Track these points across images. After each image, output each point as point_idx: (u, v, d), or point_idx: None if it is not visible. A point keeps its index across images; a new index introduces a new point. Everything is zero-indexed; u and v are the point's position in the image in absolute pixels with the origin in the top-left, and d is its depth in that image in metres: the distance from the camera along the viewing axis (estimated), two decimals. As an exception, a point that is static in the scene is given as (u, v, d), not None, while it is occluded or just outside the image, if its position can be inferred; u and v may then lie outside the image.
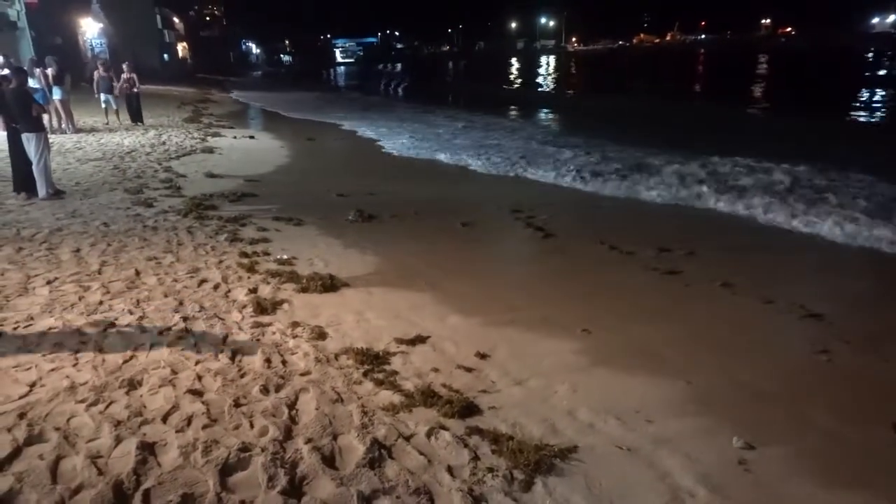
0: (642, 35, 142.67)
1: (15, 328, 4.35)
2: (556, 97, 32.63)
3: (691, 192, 9.94)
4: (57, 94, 15.18)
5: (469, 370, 4.04)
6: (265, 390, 3.59)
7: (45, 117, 14.72)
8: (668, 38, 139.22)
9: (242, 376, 3.76)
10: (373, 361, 4.04)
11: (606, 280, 6.13)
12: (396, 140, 17.07)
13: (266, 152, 14.36)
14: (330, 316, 4.85)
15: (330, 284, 5.51)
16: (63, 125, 15.57)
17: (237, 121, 21.24)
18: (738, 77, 37.97)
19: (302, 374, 3.82)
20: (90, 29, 39.07)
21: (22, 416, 3.20)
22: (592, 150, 14.28)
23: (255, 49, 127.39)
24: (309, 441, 3.09)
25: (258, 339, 4.31)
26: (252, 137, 16.49)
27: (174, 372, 3.77)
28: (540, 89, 38.20)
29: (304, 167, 12.74)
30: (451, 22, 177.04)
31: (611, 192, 10.45)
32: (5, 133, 9.18)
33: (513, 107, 27.07)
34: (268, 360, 3.98)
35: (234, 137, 16.20)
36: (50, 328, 4.37)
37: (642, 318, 5.08)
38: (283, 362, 3.99)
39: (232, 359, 3.99)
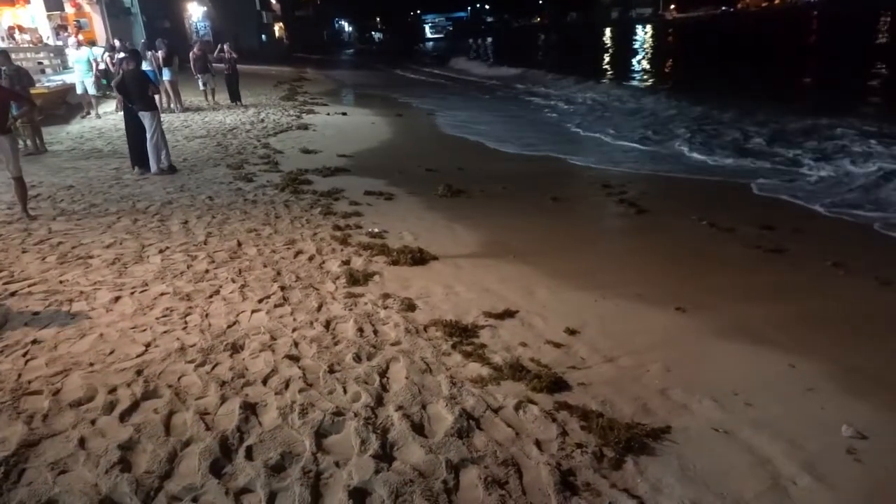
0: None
1: (132, 292, 4.70)
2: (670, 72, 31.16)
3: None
4: (166, 76, 16.10)
5: (558, 346, 3.99)
6: (357, 358, 3.70)
7: (157, 97, 15.72)
8: (776, 1, 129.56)
9: (336, 344, 3.89)
10: (461, 334, 4.06)
11: (703, 257, 5.87)
12: (483, 115, 16.98)
13: (357, 128, 14.66)
14: (419, 288, 4.92)
15: (419, 258, 5.58)
16: (172, 105, 16.52)
17: (330, 98, 21.77)
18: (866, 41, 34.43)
19: (392, 344, 3.91)
20: (195, 12, 41.06)
21: (139, 373, 3.46)
22: (700, 126, 13.62)
23: (347, 27, 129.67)
24: (399, 408, 3.16)
25: (351, 309, 4.44)
26: (344, 114, 16.87)
27: (273, 338, 3.95)
28: (640, 63, 36.69)
29: (394, 142, 12.92)
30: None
31: (711, 170, 9.96)
32: (122, 112, 9.84)
33: (610, 79, 26.23)
34: (360, 330, 4.09)
35: (328, 114, 16.63)
36: (162, 293, 4.68)
37: (742, 297, 4.83)
38: (375, 332, 4.09)
39: (326, 327, 4.13)
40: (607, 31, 76.12)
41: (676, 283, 5.20)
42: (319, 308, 4.46)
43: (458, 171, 9.77)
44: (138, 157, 9.48)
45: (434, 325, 4.19)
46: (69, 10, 21.85)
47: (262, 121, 14.79)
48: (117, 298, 4.56)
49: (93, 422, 2.99)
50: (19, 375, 3.41)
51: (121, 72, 9.57)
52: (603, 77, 26.70)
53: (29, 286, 4.85)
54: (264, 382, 3.39)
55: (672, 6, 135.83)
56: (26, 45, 16.66)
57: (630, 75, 27.72)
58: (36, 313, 4.30)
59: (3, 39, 14.91)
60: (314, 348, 3.81)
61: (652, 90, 21.46)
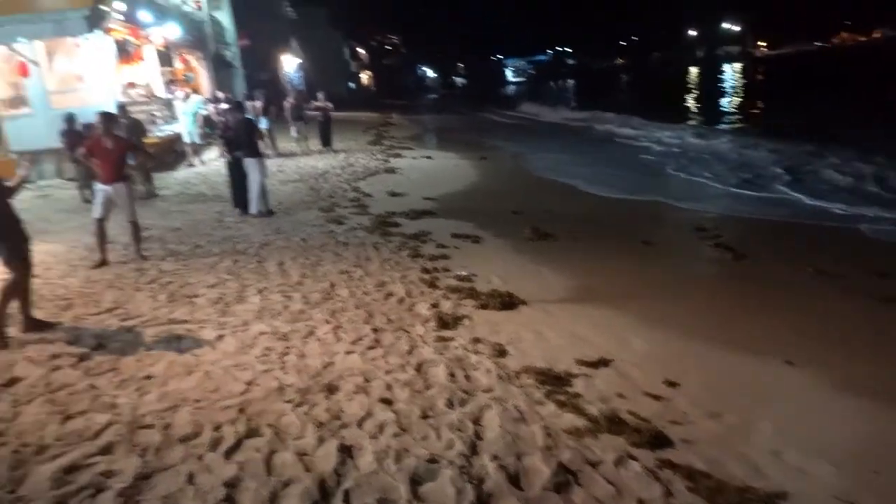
0: (844, 34, 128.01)
1: (234, 331, 4.90)
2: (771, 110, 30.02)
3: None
4: (263, 124, 17.00)
5: (657, 398, 3.83)
6: (450, 404, 3.68)
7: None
8: (874, 35, 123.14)
9: (428, 388, 3.90)
10: (554, 382, 3.98)
11: (811, 306, 5.55)
12: (567, 157, 16.93)
13: (442, 171, 14.94)
14: (510, 333, 4.87)
15: (508, 302, 5.55)
16: (268, 150, 17.44)
17: (415, 142, 22.35)
18: None
19: (485, 391, 3.87)
20: (290, 65, 43.57)
21: (241, 410, 3.58)
22: (799, 168, 13.04)
23: (430, 73, 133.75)
24: (494, 458, 3.11)
25: (441, 353, 4.45)
26: (429, 157, 17.26)
27: (366, 380, 4.01)
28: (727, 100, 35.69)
29: (479, 185, 13.06)
30: (624, 35, 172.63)
31: (819, 213, 9.45)
32: (224, 159, 10.46)
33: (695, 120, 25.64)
34: (451, 374, 4.08)
35: (413, 158, 17.06)
36: (261, 332, 4.87)
37: (858, 350, 4.51)
38: (466, 377, 4.07)
39: (418, 371, 4.15)
40: (693, 71, 74.75)
41: (782, 334, 4.93)
42: (411, 351, 4.49)
43: (545, 214, 9.73)
44: (240, 200, 10.03)
45: (526, 372, 4.12)
46: (178, 65, 23.69)
47: (352, 165, 15.34)
48: (220, 336, 4.77)
49: (200, 457, 3.11)
50: (134, 409, 3.61)
51: (226, 120, 10.25)
52: (690, 118, 26.11)
53: (142, 323, 5.16)
54: (359, 425, 3.43)
55: (761, 43, 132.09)
56: (140, 99, 18.12)
57: (720, 117, 26.97)
58: (148, 350, 4.55)
59: (121, 94, 16.29)
60: (407, 392, 3.83)
61: (744, 131, 20.76)
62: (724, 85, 48.47)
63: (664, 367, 4.29)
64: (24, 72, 14.82)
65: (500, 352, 4.50)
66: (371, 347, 4.55)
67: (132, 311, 5.49)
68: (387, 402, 3.70)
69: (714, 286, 6.53)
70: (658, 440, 3.30)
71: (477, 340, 4.69)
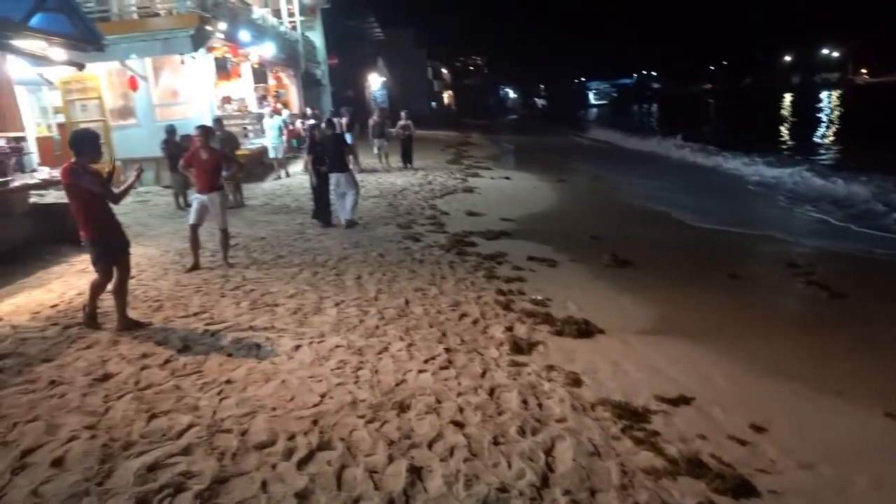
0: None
1: (311, 342, 5.01)
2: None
3: None
4: (348, 139, 17.56)
5: (742, 443, 3.61)
6: (522, 432, 3.60)
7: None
8: None
9: (500, 414, 3.83)
10: (631, 417, 3.83)
11: (918, 355, 5.10)
12: (647, 183, 16.50)
13: (520, 192, 14.88)
14: (585, 363, 4.74)
15: (585, 330, 5.41)
16: (351, 166, 17.92)
17: (494, 162, 22.41)
18: None
19: (558, 421, 3.77)
20: (375, 82, 44.80)
21: (315, 422, 3.63)
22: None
23: (511, 94, 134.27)
24: (567, 493, 3.01)
25: (514, 378, 4.37)
26: (507, 178, 17.24)
27: (438, 401, 3.99)
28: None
29: (557, 207, 12.91)
30: (714, 59, 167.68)
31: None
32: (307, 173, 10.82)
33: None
34: (524, 401, 4.00)
35: (491, 178, 17.09)
36: (337, 345, 4.94)
37: (974, 409, 4.10)
38: (539, 405, 3.98)
39: (490, 395, 4.09)
40: (787, 98, 71.53)
41: (884, 383, 4.56)
42: (483, 374, 4.44)
43: (624, 240, 9.49)
44: (320, 213, 10.35)
45: (602, 405, 3.99)
46: (271, 82, 24.81)
47: (430, 183, 15.53)
48: (298, 347, 4.88)
49: (273, 466, 3.16)
50: (214, 413, 3.73)
51: (312, 136, 10.67)
52: (782, 148, 24.87)
53: (226, 328, 5.36)
54: (430, 446, 3.40)
55: (863, 70, 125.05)
56: (235, 113, 19.08)
57: (815, 147, 25.56)
58: (230, 355, 4.71)
59: (219, 108, 17.20)
60: (478, 416, 3.78)
61: (841, 164, 19.56)
62: (820, 114, 46.04)
63: (750, 409, 4.05)
64: (133, 86, 15.92)
65: (575, 381, 4.38)
66: (444, 367, 4.53)
67: (217, 315, 5.72)
68: (458, 424, 3.66)
69: (806, 326, 6.13)
70: (742, 488, 3.10)
71: (551, 368, 4.59)
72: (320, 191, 10.36)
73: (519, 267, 7.68)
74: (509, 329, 5.41)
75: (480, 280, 7.05)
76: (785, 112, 52.16)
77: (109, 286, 5.31)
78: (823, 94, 74.87)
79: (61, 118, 16.74)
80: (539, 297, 6.40)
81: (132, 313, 5.55)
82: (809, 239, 9.97)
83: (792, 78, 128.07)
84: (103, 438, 3.38)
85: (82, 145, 5.12)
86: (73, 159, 5.10)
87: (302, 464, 3.19)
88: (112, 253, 5.28)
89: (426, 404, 3.92)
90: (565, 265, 7.98)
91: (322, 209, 10.40)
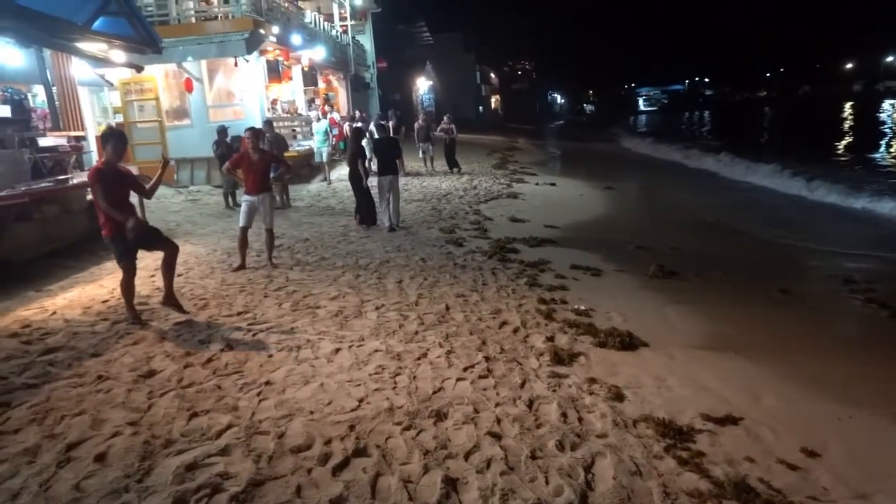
0: None
1: (350, 346, 5.02)
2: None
3: None
4: (394, 143, 17.69)
5: (793, 468, 3.44)
6: (561, 446, 3.51)
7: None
8: None
9: (539, 427, 3.75)
10: (675, 436, 3.69)
11: None
12: (695, 196, 16.08)
13: (566, 199, 14.70)
14: (628, 376, 4.61)
15: (628, 342, 5.27)
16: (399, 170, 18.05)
17: (539, 167, 22.23)
18: None
19: (598, 436, 3.66)
20: (422, 86, 45.07)
21: (352, 427, 3.62)
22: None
23: (559, 99, 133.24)
24: (606, 513, 2.91)
25: (554, 390, 4.28)
26: (553, 184, 17.06)
27: (476, 411, 3.93)
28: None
29: (603, 215, 12.70)
30: (771, 65, 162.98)
31: None
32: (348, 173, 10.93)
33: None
34: (564, 415, 3.91)
35: (537, 184, 16.94)
36: (376, 350, 4.94)
37: None
38: (580, 419, 3.88)
39: (529, 406, 4.02)
40: (847, 107, 68.80)
41: (950, 411, 4.29)
42: (523, 385, 4.36)
43: (671, 251, 9.26)
44: (365, 215, 10.45)
45: (645, 422, 3.86)
46: (321, 85, 25.21)
47: (475, 188, 15.48)
48: (337, 350, 4.90)
49: (309, 471, 3.16)
50: (253, 414, 3.76)
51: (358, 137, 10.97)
52: (838, 162, 23.73)
53: (267, 329, 5.42)
54: (466, 458, 3.35)
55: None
56: (285, 115, 19.45)
57: (872, 160, 24.33)
58: (270, 356, 4.76)
59: (268, 110, 17.56)
60: (517, 428, 3.71)
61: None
62: (882, 125, 43.95)
63: (802, 432, 3.86)
64: (189, 87, 16.39)
65: (617, 395, 4.26)
66: (482, 377, 4.47)
67: (259, 316, 5.79)
68: (495, 436, 3.60)
69: (864, 346, 5.84)
70: (794, 518, 2.95)
71: (592, 381, 4.48)
72: (363, 193, 10.46)
73: (562, 275, 7.56)
74: (550, 339, 5.31)
75: (522, 288, 6.97)
76: (846, 122, 50.07)
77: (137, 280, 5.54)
78: (887, 103, 71.68)
79: (120, 118, 17.36)
80: (582, 307, 6.27)
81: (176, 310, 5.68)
82: (868, 255, 9.53)
83: (853, 86, 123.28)
84: (145, 435, 3.45)
85: (106, 143, 5.35)
86: (102, 159, 5.34)
87: (337, 470, 3.18)
88: (130, 251, 5.40)
89: (464, 414, 3.87)
90: (610, 275, 7.82)
91: (365, 211, 10.49)
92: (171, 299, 5.67)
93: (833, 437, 3.84)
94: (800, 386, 4.63)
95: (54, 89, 8.66)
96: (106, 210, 5.18)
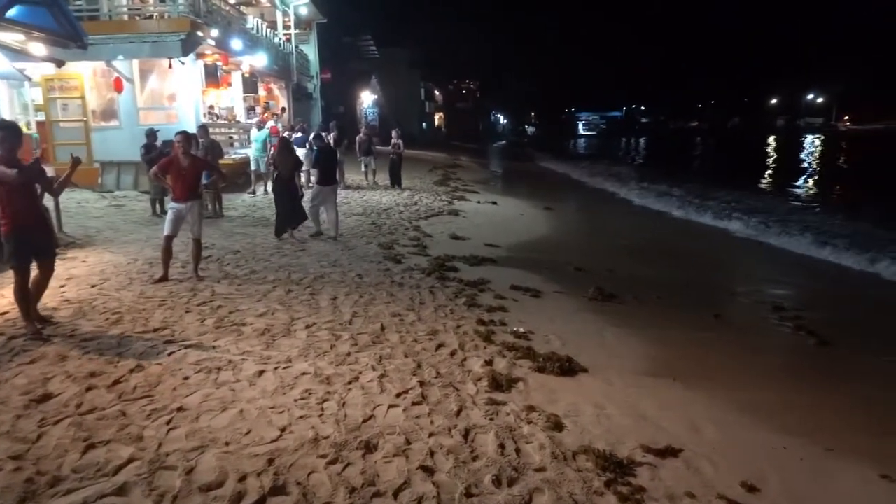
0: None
1: (276, 367, 4.67)
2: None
3: None
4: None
5: (734, 504, 3.34)
6: (497, 482, 3.30)
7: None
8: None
9: (475, 459, 3.52)
10: (616, 470, 3.54)
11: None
12: (631, 220, 16.37)
13: (506, 218, 14.68)
14: (567, 404, 4.46)
15: (568, 367, 5.13)
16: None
17: (482, 185, 22.25)
18: None
19: (537, 470, 3.47)
20: (367, 100, 44.76)
21: (270, 462, 3.30)
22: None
23: (502, 119, 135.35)
24: (543, 558, 2.70)
25: (492, 419, 4.07)
26: (494, 203, 17.04)
27: (408, 441, 3.67)
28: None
29: (542, 235, 12.71)
30: (703, 97, 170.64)
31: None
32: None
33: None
34: (501, 446, 3.70)
35: (478, 202, 16.88)
36: (303, 373, 4.61)
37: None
38: (517, 451, 3.67)
39: (465, 437, 3.78)
40: (771, 140, 72.51)
41: (878, 441, 4.33)
42: (459, 412, 4.14)
43: (609, 273, 9.28)
44: (284, 223, 10.22)
45: (584, 454, 3.70)
46: (262, 92, 24.57)
47: (416, 203, 15.28)
48: (261, 373, 4.55)
49: (218, 513, 2.83)
50: (159, 445, 3.38)
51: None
52: (768, 190, 24.76)
53: (186, 347, 5.00)
54: (395, 496, 3.09)
55: (846, 117, 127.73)
56: (223, 122, 18.78)
57: (809, 192, 25.41)
58: (186, 378, 4.37)
59: (205, 115, 16.88)
60: (451, 461, 3.47)
61: (836, 208, 19.43)
62: (804, 159, 46.35)
63: (741, 464, 3.79)
64: (119, 87, 15.57)
65: (557, 425, 4.08)
66: (416, 403, 4.22)
67: (178, 333, 5.37)
68: (428, 470, 3.35)
69: (794, 373, 5.90)
70: (736, 560, 2.82)
71: (531, 409, 4.30)
72: (284, 202, 10.23)
73: (501, 296, 7.41)
74: (489, 363, 5.11)
75: (461, 308, 6.76)
76: (771, 154, 52.66)
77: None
78: (808, 139, 76.03)
79: (42, 116, 16.34)
80: (521, 330, 6.11)
81: (87, 325, 5.19)
82: (797, 277, 9.86)
83: (777, 120, 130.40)
84: (29, 471, 3.02)
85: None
86: None
87: (250, 512, 2.86)
88: (25, 253, 5.08)
89: (394, 445, 3.60)
90: (550, 296, 7.72)
91: (291, 215, 10.21)
92: (35, 315, 5.32)
93: (770, 469, 3.78)
94: (736, 414, 4.60)
95: (-39, 80, 7.94)
96: (25, 182, 4.91)
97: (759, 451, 4.04)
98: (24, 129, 16.68)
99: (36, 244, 5.12)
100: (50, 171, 11.81)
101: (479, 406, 4.27)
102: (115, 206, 13.13)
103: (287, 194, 10.19)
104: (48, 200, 9.24)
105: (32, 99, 16.90)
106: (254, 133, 16.98)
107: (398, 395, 4.32)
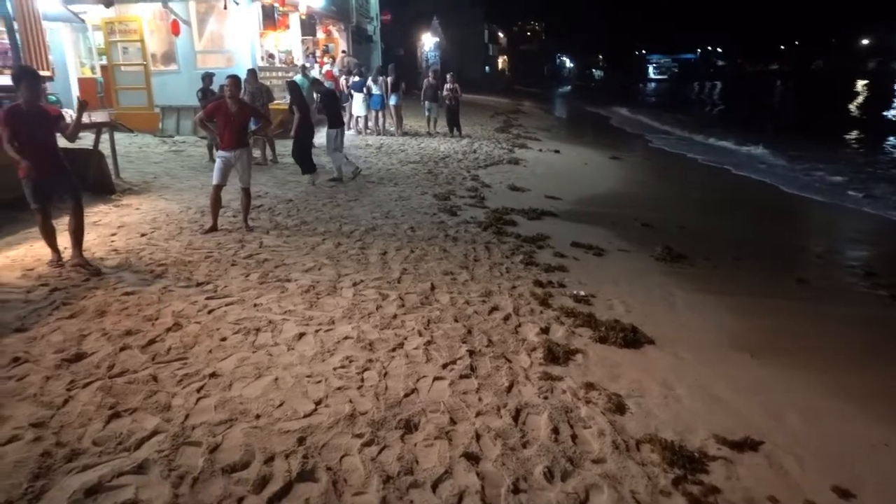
0: None
1: (317, 330, 4.42)
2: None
3: None
4: (392, 100, 16.84)
5: (826, 513, 2.88)
6: (549, 474, 2.94)
7: (381, 120, 16.66)
8: None
9: (525, 446, 3.17)
10: (685, 465, 3.12)
11: None
12: (713, 160, 15.33)
13: (569, 168, 13.98)
14: (631, 382, 4.03)
15: (632, 338, 4.67)
16: (393, 128, 17.22)
17: (544, 133, 21.38)
18: None
19: (595, 461, 3.09)
20: (428, 42, 43.62)
21: (301, 440, 3.04)
22: None
23: (568, 63, 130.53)
24: (600, 576, 2.35)
25: (546, 397, 3.70)
26: (557, 151, 16.29)
27: (453, 421, 3.35)
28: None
29: (607, 187, 12.01)
30: (785, 38, 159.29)
31: None
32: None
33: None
34: (555, 430, 3.33)
35: (540, 150, 16.18)
36: (346, 336, 4.34)
37: None
38: (573, 437, 3.30)
39: (515, 419, 3.43)
40: (859, 85, 66.97)
41: None
42: (510, 388, 3.78)
43: (679, 230, 8.62)
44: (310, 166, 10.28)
45: (650, 443, 3.29)
46: (321, 35, 24.10)
47: (475, 151, 14.73)
48: (301, 335, 4.30)
49: (240, 500, 2.58)
50: (186, 416, 3.17)
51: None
52: (859, 146, 22.56)
53: (227, 304, 4.81)
54: (434, 488, 2.78)
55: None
56: (280, 65, 18.49)
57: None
58: (223, 339, 4.16)
59: (262, 59, 16.62)
60: (498, 447, 3.13)
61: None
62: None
63: (832, 463, 3.30)
64: (176, 30, 15.43)
65: (619, 406, 3.67)
66: (464, 376, 3.88)
67: (221, 288, 5.18)
68: (473, 458, 3.02)
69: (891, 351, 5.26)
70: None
71: (590, 386, 3.89)
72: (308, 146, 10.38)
73: (561, 254, 6.94)
74: (545, 331, 4.71)
75: (517, 266, 6.34)
76: (860, 98, 48.62)
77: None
78: (901, 82, 69.77)
79: (104, 60, 16.46)
80: (582, 293, 5.66)
81: (131, 276, 5.07)
82: (883, 244, 8.92)
83: (868, 63, 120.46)
84: (49, 442, 2.85)
85: (19, 82, 5.12)
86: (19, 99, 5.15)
87: (273, 501, 2.60)
88: (39, 195, 5.31)
89: (437, 425, 3.28)
90: (613, 255, 7.19)
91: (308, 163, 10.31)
92: (81, 259, 5.53)
93: (869, 471, 3.27)
94: (825, 400, 4.06)
95: (15, 23, 7.86)
96: (7, 150, 5.01)
97: (855, 447, 3.53)
98: (89, 73, 16.94)
99: (52, 188, 5.35)
100: (102, 115, 11.87)
101: (533, 381, 3.89)
102: (174, 151, 13.15)
103: (299, 141, 10.24)
104: (106, 146, 9.24)
105: (97, 43, 17.02)
106: (299, 78, 16.65)
107: (445, 366, 3.99)
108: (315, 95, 11.62)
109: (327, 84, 14.00)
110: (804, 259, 8.02)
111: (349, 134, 16.72)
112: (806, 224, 10.76)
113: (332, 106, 10.74)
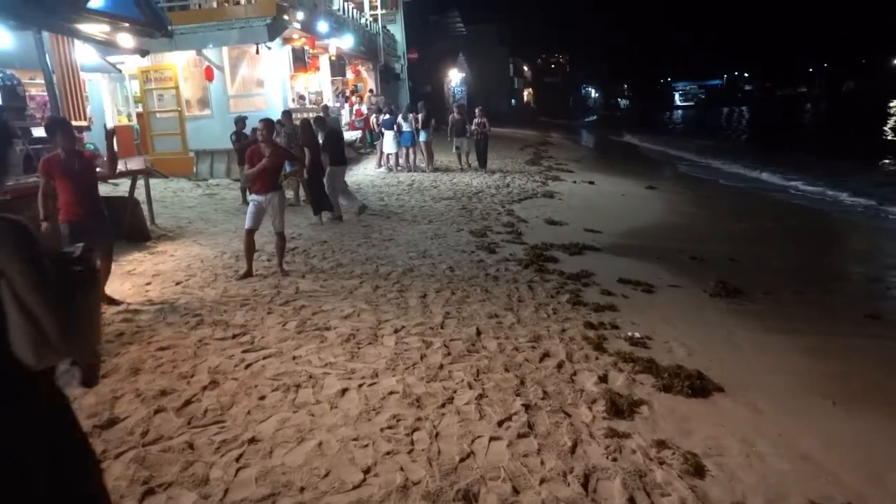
0: None
1: (360, 384, 4.14)
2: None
3: None
4: (423, 137, 16.78)
5: None
6: (631, 558, 2.58)
7: (412, 157, 16.60)
8: None
9: (599, 521, 2.82)
10: (786, 542, 2.73)
11: None
12: (750, 186, 14.83)
13: (606, 199, 13.67)
14: (705, 438, 3.65)
15: (699, 386, 4.28)
16: (424, 164, 17.13)
17: (576, 164, 21.11)
18: None
19: (681, 540, 2.72)
20: (454, 78, 44.05)
21: (351, 518, 2.74)
22: None
23: (593, 93, 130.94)
24: None
25: (615, 459, 3.34)
26: (591, 183, 15.99)
27: (515, 490, 3.01)
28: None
29: (648, 219, 11.64)
30: (813, 61, 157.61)
31: None
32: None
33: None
34: (631, 501, 2.97)
35: (574, 182, 15.90)
36: (391, 391, 4.05)
37: None
38: (652, 508, 2.94)
39: (584, 486, 3.08)
40: (894, 105, 65.34)
41: None
42: (574, 449, 3.43)
43: (730, 263, 8.22)
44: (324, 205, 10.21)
45: (739, 515, 2.91)
46: (350, 75, 24.41)
47: (508, 185, 14.52)
48: (344, 391, 4.02)
49: None
50: (226, 492, 2.90)
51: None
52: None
53: (265, 357, 4.57)
54: (502, 578, 2.44)
55: None
56: (312, 106, 18.67)
57: None
58: (262, 398, 3.91)
59: (293, 101, 16.78)
60: (569, 523, 2.79)
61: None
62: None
63: (951, 534, 2.87)
64: (210, 76, 15.69)
65: (697, 468, 3.29)
66: (522, 435, 3.54)
67: (258, 339, 4.96)
68: (542, 537, 2.68)
69: None
70: None
71: (662, 444, 3.52)
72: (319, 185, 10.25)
73: (609, 291, 6.58)
74: (603, 379, 4.36)
75: (565, 306, 6.01)
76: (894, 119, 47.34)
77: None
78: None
79: (140, 108, 16.79)
80: (637, 335, 5.29)
81: (166, 330, 4.87)
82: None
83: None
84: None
85: (53, 134, 5.35)
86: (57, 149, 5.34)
87: None
88: (75, 241, 5.20)
89: (499, 496, 2.95)
90: (664, 291, 6.82)
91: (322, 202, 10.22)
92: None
93: None
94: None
95: (54, 76, 7.96)
96: (38, 201, 5.41)
97: (972, 511, 3.10)
98: (126, 121, 17.29)
99: (88, 231, 5.34)
100: (138, 162, 12.00)
101: (598, 439, 3.54)
102: (207, 194, 13.21)
103: (314, 180, 10.15)
104: (141, 193, 9.24)
105: (133, 92, 17.41)
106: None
107: (500, 424, 3.67)
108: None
109: (351, 120, 14.02)
110: (868, 290, 7.54)
111: (380, 171, 16.68)
112: (861, 250, 10.23)
113: (336, 144, 10.67)
